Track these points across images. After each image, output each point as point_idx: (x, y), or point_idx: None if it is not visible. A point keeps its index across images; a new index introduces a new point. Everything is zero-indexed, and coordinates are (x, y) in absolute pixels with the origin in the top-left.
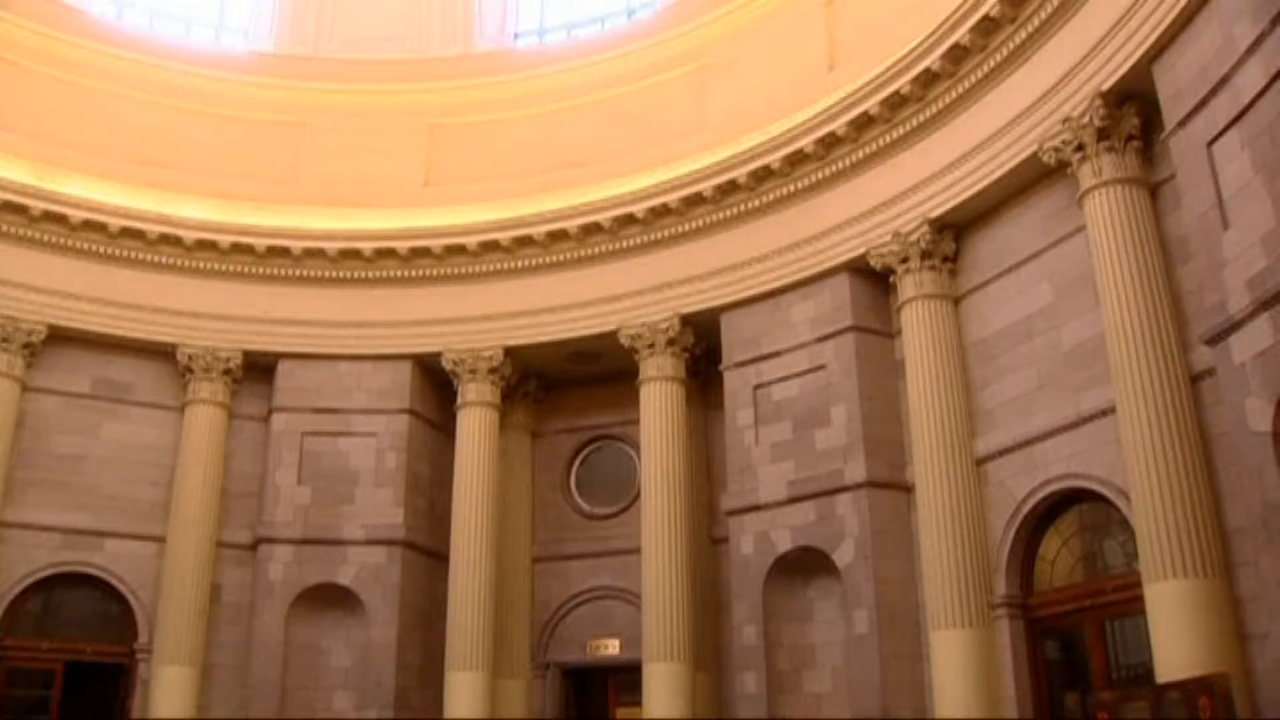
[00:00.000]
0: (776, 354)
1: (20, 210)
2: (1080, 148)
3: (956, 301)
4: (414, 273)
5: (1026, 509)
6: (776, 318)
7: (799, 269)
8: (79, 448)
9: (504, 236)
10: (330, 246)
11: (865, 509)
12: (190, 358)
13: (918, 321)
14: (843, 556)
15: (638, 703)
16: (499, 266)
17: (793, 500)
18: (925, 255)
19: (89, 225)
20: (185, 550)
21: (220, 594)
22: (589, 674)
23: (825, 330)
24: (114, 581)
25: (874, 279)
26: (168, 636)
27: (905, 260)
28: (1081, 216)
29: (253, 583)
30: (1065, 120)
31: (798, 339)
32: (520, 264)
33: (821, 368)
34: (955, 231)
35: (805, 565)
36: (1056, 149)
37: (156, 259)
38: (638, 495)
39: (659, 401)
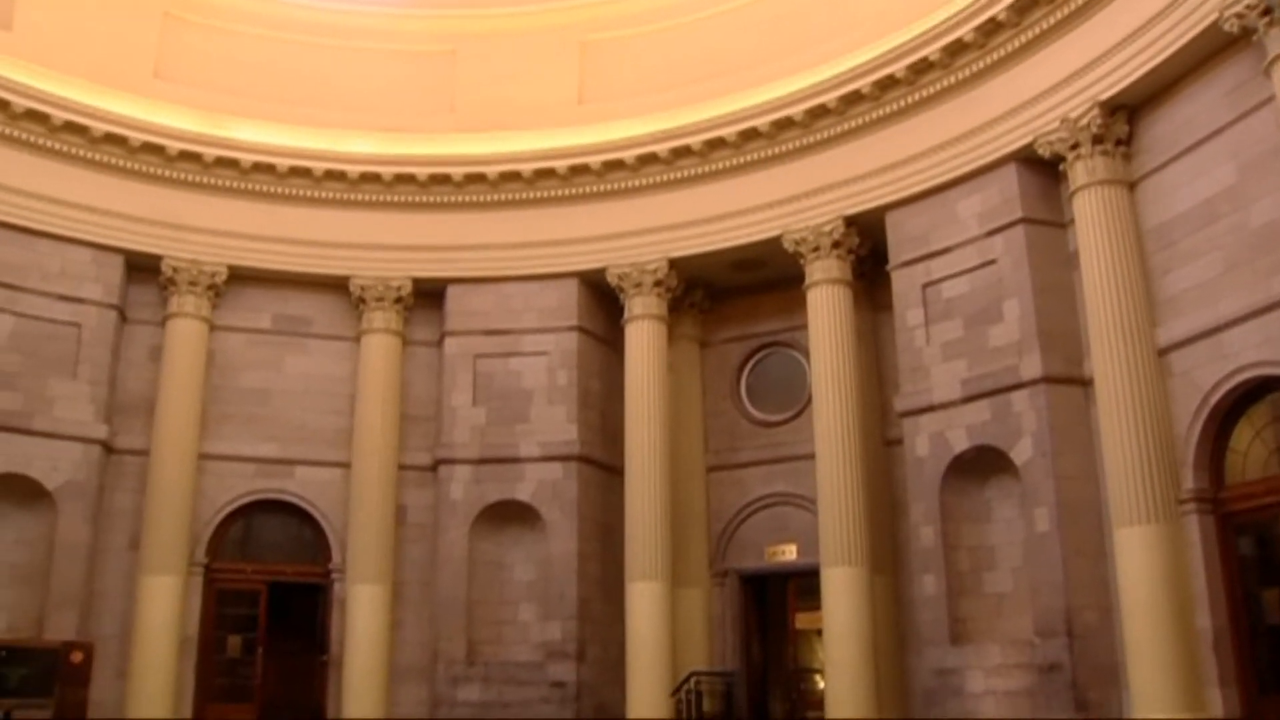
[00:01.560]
0: (945, 251)
1: (194, 158)
2: (1267, 11)
3: (1131, 186)
4: (574, 191)
5: (1214, 400)
6: (943, 214)
7: (964, 162)
8: (265, 381)
9: (661, 148)
10: (490, 170)
11: (1043, 405)
12: (362, 288)
13: (1091, 209)
14: (1020, 454)
15: (816, 607)
16: (658, 179)
17: (967, 399)
18: (1096, 140)
19: (259, 167)
20: (369, 474)
21: (405, 515)
22: (767, 580)
23: (994, 224)
24: (306, 506)
25: (1043, 168)
26: (358, 557)
27: (1075, 146)
28: (1269, 86)
29: (435, 503)
30: None
31: (966, 234)
32: (679, 175)
33: (992, 262)
34: (1128, 113)
35: (982, 464)
36: (1239, 15)
37: (324, 195)
38: (809, 400)
39: (826, 305)
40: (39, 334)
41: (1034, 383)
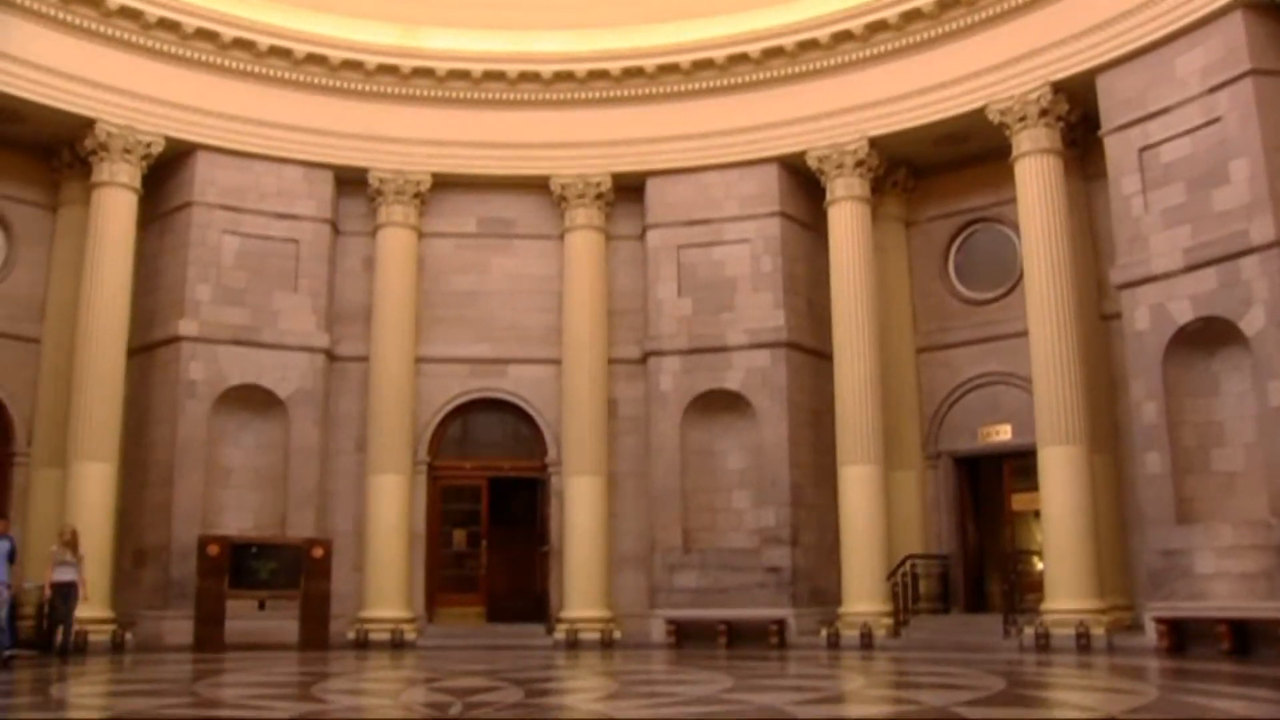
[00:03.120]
0: (1163, 111)
1: (392, 70)
2: None
3: None
4: (768, 74)
5: None
6: (1159, 72)
7: (1182, 14)
8: (474, 284)
9: (856, 25)
10: (683, 60)
11: (1275, 271)
12: (563, 187)
13: None
14: (1251, 324)
15: (1033, 488)
16: (854, 56)
17: (1190, 268)
18: None
19: (454, 74)
20: (580, 369)
21: (617, 408)
22: (981, 461)
23: (1218, 79)
24: (520, 403)
25: (1273, 15)
26: (573, 450)
27: None
28: None
29: (645, 395)
30: None
31: (1186, 92)
32: (876, 51)
33: (1216, 121)
34: None
35: (1208, 336)
36: None
37: (520, 97)
38: (1020, 276)
39: (1035, 177)
40: (261, 252)
41: (1265, 247)
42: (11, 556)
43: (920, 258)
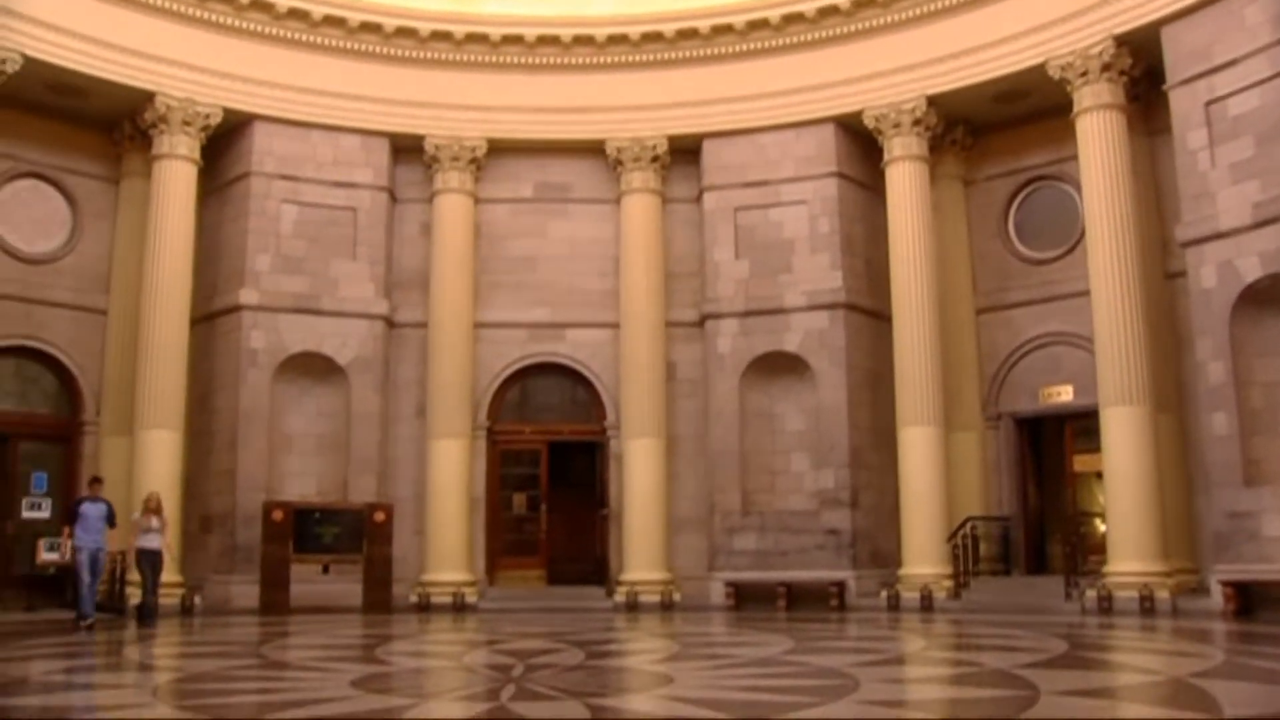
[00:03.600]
0: (1230, 64)
1: (446, 37)
2: None
3: None
4: (824, 33)
5: None
6: (1227, 22)
7: None
8: (531, 249)
9: None
10: (738, 20)
11: None
12: (619, 150)
13: None
14: None
15: (1095, 449)
16: (911, 13)
17: (1260, 224)
18: None
19: (508, 39)
20: (638, 333)
21: (675, 370)
22: (1042, 422)
23: None
24: (578, 367)
25: None
26: (631, 413)
27: None
28: None
29: (703, 357)
30: None
31: (1255, 43)
32: (934, 7)
33: None
34: None
35: (1277, 294)
36: None
37: (574, 61)
38: (1082, 235)
39: (1097, 133)
40: (319, 220)
41: None
42: (111, 520)
43: (979, 217)
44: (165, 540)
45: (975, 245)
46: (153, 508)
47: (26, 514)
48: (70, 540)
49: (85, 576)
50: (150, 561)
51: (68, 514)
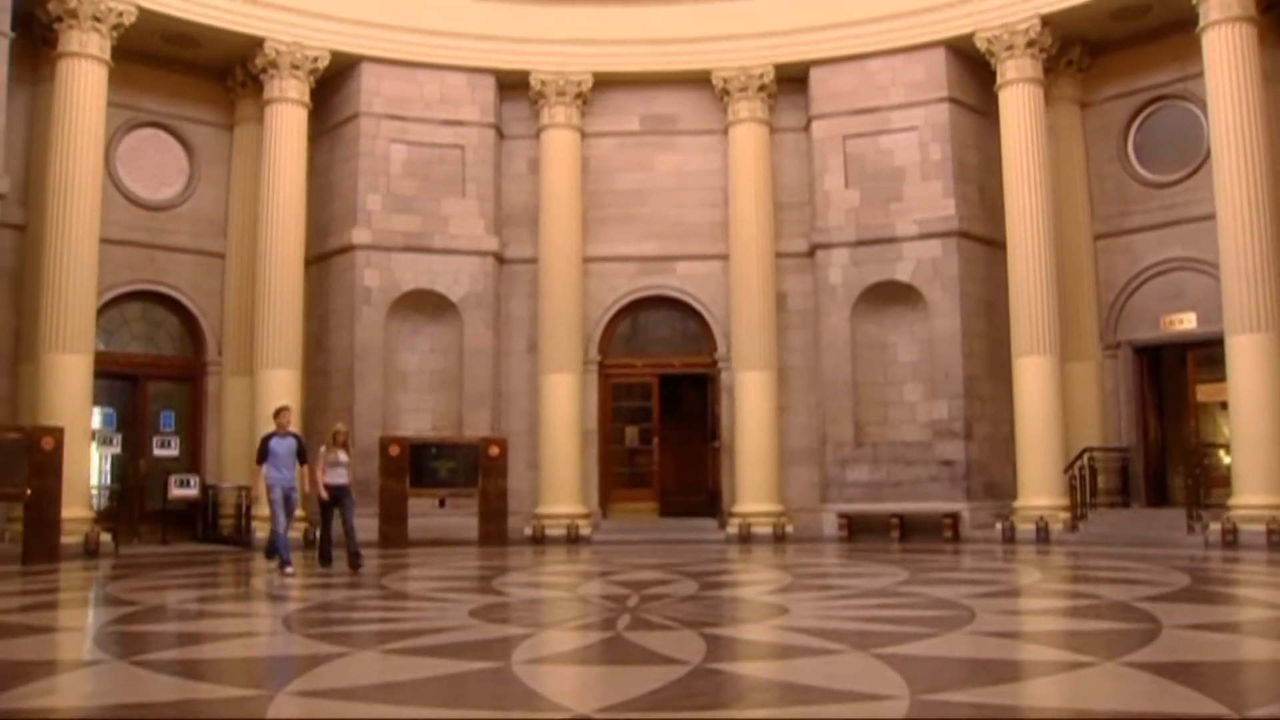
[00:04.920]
0: None
1: None
2: None
3: None
4: None
5: None
6: None
7: None
8: (638, 182)
9: None
10: None
11: None
12: (725, 80)
13: None
14: None
15: (1219, 378)
16: None
17: None
18: None
19: None
20: (748, 264)
21: (785, 302)
22: (1163, 351)
23: None
24: (688, 300)
25: None
26: (742, 345)
27: None
28: None
29: (814, 288)
30: None
31: None
32: None
33: None
34: None
35: None
36: None
37: None
38: (1206, 156)
39: (1225, 47)
40: (428, 159)
41: None
42: (301, 455)
43: (1097, 140)
44: (350, 476)
45: (1093, 169)
46: (340, 441)
47: (157, 452)
48: (263, 481)
49: (281, 517)
50: (339, 498)
51: (258, 452)
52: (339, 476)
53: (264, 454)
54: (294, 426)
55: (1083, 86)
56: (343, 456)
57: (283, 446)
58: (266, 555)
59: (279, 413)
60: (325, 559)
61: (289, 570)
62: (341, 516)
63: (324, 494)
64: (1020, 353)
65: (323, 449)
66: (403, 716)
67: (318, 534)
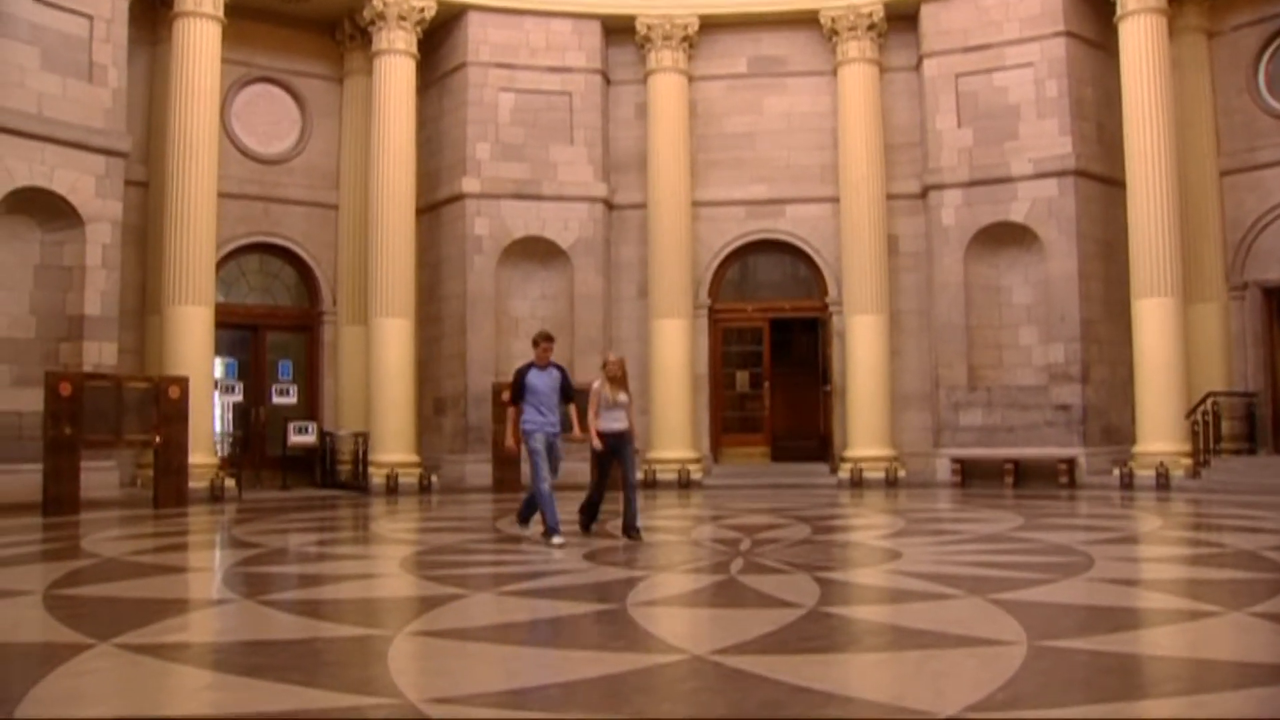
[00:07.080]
0: None
1: None
2: None
3: None
4: None
5: None
6: None
7: None
8: (747, 125)
9: None
10: None
11: None
12: (833, 19)
13: None
14: None
15: None
16: None
17: None
18: None
19: None
20: (858, 207)
21: (897, 244)
22: None
23: None
24: (798, 243)
25: None
26: (853, 288)
27: None
28: None
29: (926, 230)
30: None
31: None
32: None
33: None
34: None
35: None
36: None
37: None
38: None
39: None
40: (536, 106)
41: None
42: (567, 393)
43: (1225, 72)
44: (631, 419)
45: (1220, 103)
46: (617, 374)
47: (276, 400)
48: (517, 425)
49: (543, 471)
50: (617, 447)
51: (512, 389)
52: (617, 421)
53: (520, 391)
54: (408, 374)
55: (1210, 15)
56: (622, 397)
57: (544, 382)
58: (520, 519)
59: (541, 340)
60: (589, 521)
61: (556, 540)
62: (621, 472)
63: (597, 443)
64: (1140, 294)
65: (596, 384)
66: (518, 657)
67: (587, 494)
